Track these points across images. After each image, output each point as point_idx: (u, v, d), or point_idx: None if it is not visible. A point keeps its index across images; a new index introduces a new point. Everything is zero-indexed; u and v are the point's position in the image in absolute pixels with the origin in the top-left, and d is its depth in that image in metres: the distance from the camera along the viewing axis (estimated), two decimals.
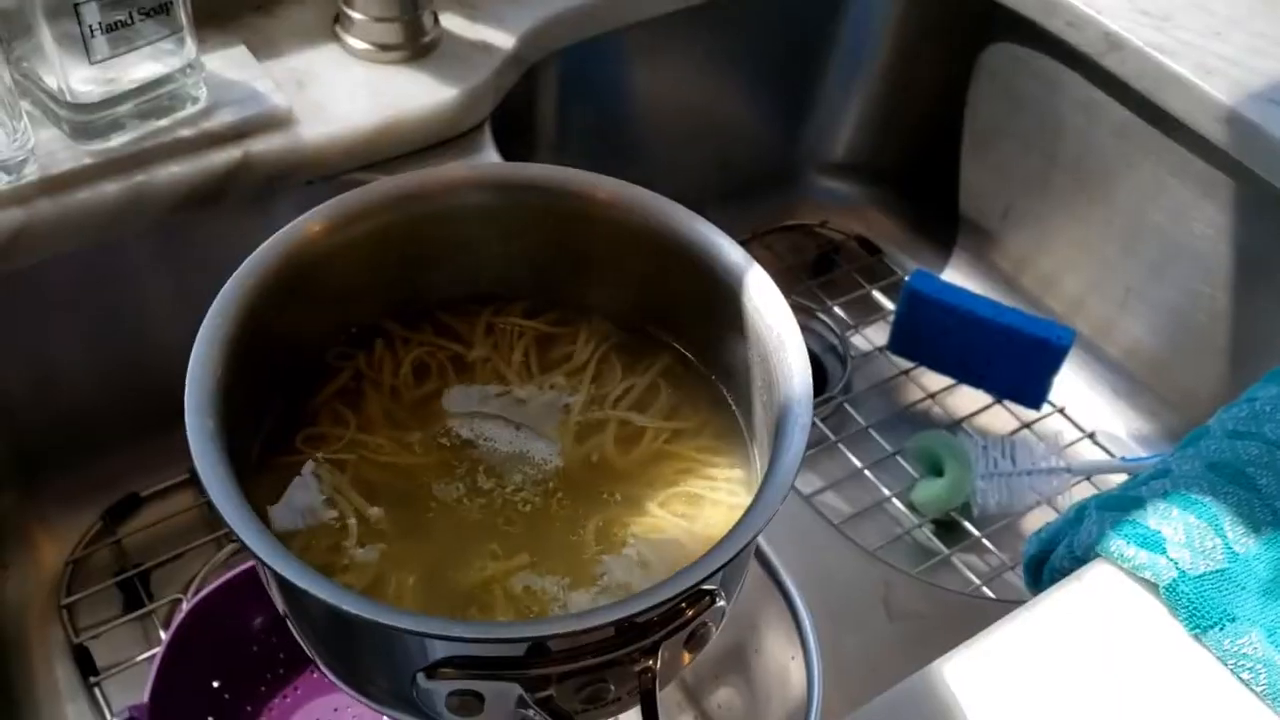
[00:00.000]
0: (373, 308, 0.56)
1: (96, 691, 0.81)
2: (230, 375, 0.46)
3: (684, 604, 0.40)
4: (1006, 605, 0.67)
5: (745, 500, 0.49)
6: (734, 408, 0.54)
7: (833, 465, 1.03)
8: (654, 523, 0.49)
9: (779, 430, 0.45)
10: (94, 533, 0.89)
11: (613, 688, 0.40)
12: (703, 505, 0.50)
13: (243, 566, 0.77)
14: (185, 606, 0.75)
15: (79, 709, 0.81)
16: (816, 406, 1.05)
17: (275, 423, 0.52)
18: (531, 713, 0.39)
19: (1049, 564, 0.69)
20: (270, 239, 0.50)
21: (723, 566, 0.39)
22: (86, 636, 0.84)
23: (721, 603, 0.41)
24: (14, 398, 0.84)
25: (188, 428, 0.43)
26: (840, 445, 1.04)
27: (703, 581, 0.38)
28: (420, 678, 0.39)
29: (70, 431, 0.88)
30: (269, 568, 0.39)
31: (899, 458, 1.03)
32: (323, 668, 0.47)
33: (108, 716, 0.79)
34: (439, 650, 0.39)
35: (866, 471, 1.02)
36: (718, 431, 0.53)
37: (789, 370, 0.47)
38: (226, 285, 0.48)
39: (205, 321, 0.46)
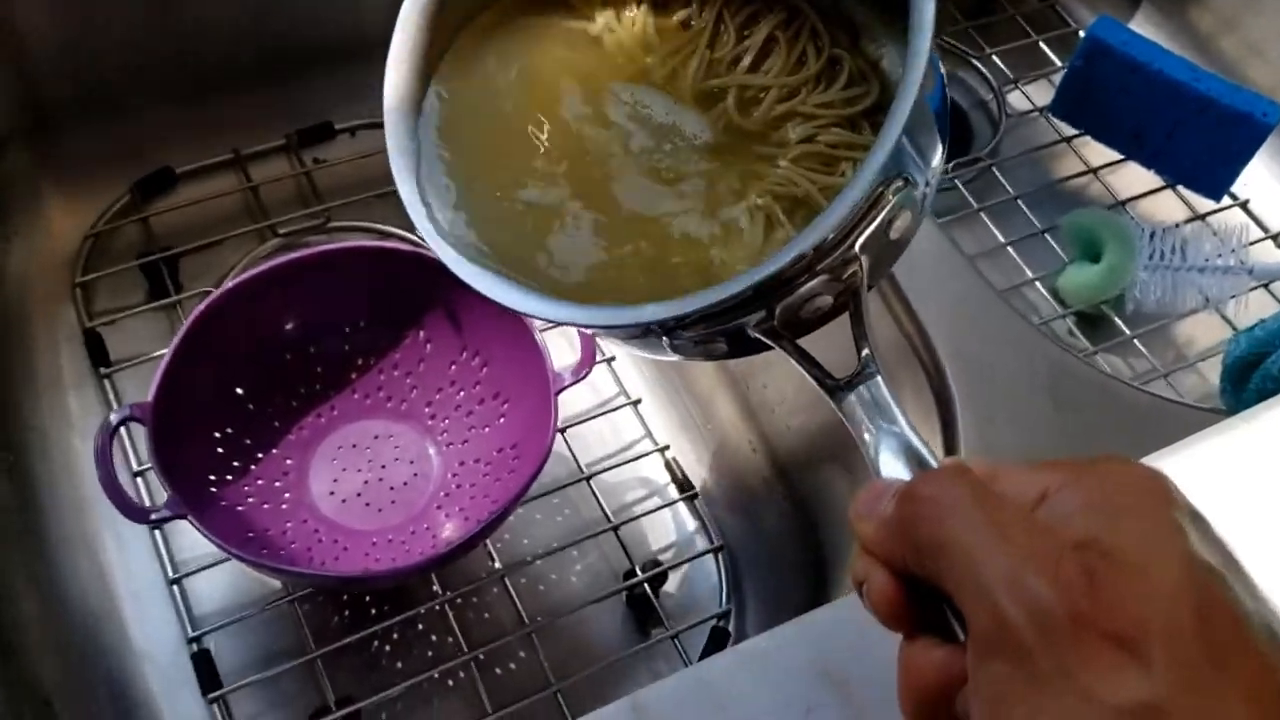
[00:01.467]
0: None
1: (107, 384, 0.71)
2: None
3: (880, 189, 0.39)
4: (1203, 415, 0.53)
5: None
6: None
7: (970, 237, 0.88)
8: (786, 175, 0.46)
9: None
10: (120, 206, 0.78)
11: (829, 299, 0.40)
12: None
13: (283, 258, 0.66)
14: (206, 300, 0.63)
15: (83, 399, 0.72)
16: (959, 168, 0.91)
17: None
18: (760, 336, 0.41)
19: (1262, 369, 0.55)
20: None
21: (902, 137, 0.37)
22: (100, 322, 0.74)
23: (913, 189, 0.40)
24: (31, 35, 0.72)
25: None
26: (982, 215, 0.89)
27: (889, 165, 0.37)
28: (666, 341, 0.42)
29: (99, 85, 0.76)
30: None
31: (1048, 236, 0.89)
32: None
33: (114, 408, 0.70)
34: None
35: (1009, 248, 0.87)
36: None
37: None
38: None
39: None
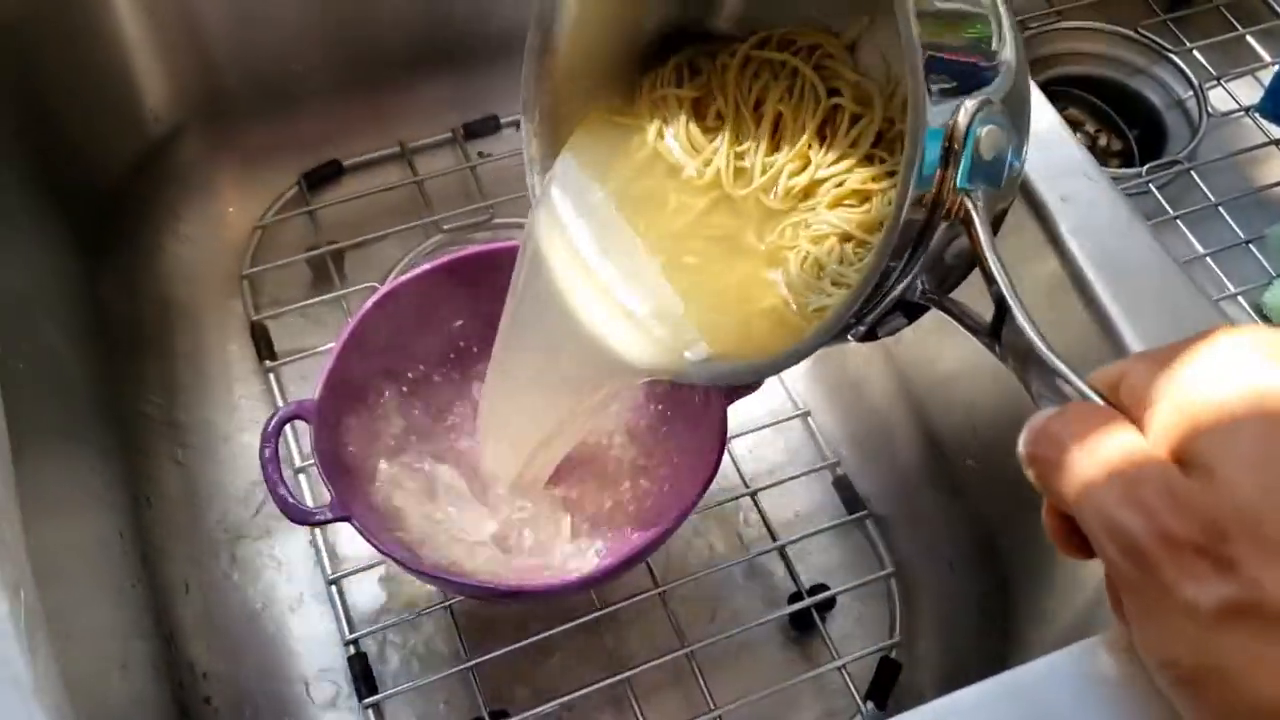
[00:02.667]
0: None
1: (271, 377, 0.71)
2: None
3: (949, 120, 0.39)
4: None
5: None
6: None
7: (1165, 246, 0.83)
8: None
9: None
10: (288, 198, 0.78)
11: (964, 240, 0.41)
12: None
13: (450, 257, 0.64)
14: (374, 296, 0.62)
15: (249, 392, 0.72)
16: (1154, 171, 0.85)
17: None
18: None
19: None
20: None
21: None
22: (267, 314, 0.73)
23: (987, 106, 0.40)
24: (216, 30, 0.72)
25: None
26: (1179, 223, 0.83)
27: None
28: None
29: (273, 77, 0.76)
30: None
31: (1253, 247, 0.83)
32: None
33: (279, 403, 0.69)
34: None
35: (1208, 259, 0.82)
36: None
37: None
38: None
39: None
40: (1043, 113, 0.57)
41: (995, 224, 0.43)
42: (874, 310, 0.43)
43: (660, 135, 0.54)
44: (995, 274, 0.40)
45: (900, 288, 0.42)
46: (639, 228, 0.53)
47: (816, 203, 0.50)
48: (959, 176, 0.40)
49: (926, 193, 0.39)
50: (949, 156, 0.39)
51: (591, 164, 0.55)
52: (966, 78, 0.40)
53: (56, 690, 0.39)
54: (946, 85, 0.39)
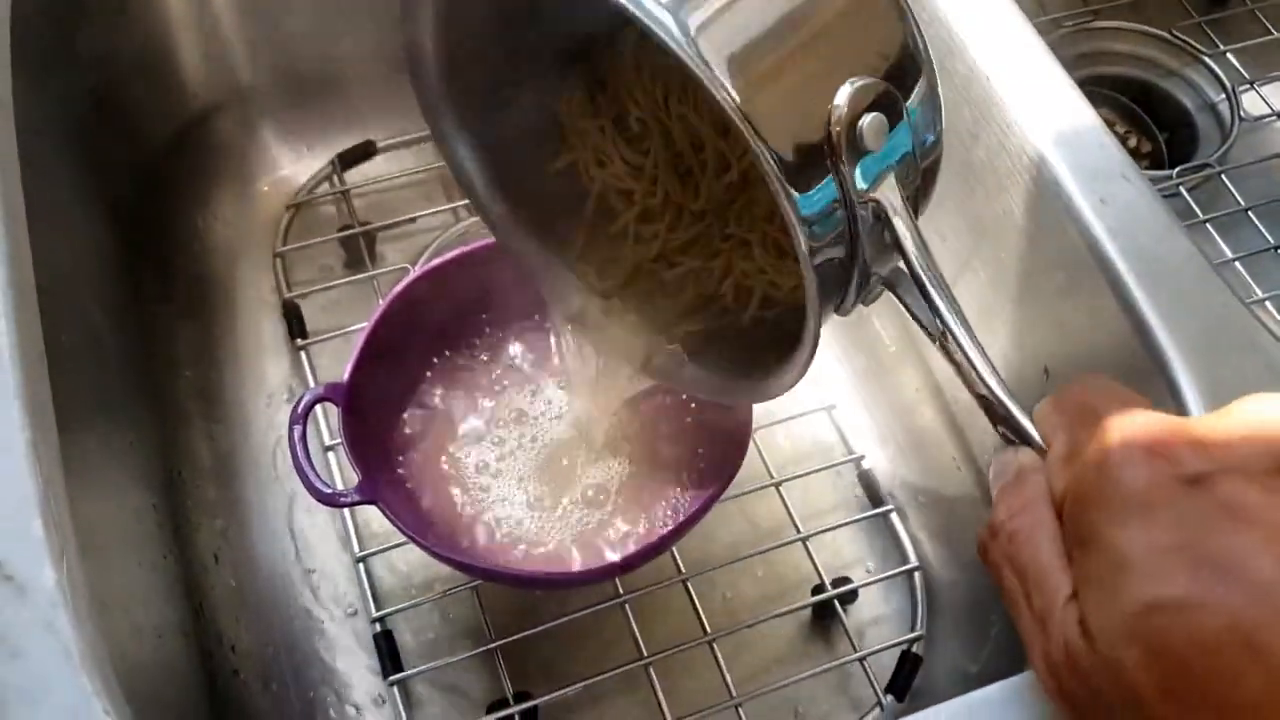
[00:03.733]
0: None
1: (302, 356, 0.71)
2: None
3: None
4: None
5: None
6: None
7: None
8: None
9: None
10: (322, 178, 0.78)
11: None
12: None
13: (483, 241, 0.64)
14: (405, 280, 0.63)
15: (279, 368, 0.72)
16: (1184, 174, 0.85)
17: None
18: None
19: None
20: None
21: None
22: (298, 293, 0.74)
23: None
24: (250, 10, 0.73)
25: None
26: (1208, 226, 0.83)
27: None
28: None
29: (310, 56, 0.76)
30: None
31: None
32: None
33: (310, 382, 0.70)
34: None
35: (1237, 264, 0.81)
36: None
37: None
38: None
39: None
40: (1081, 113, 0.57)
41: (925, 189, 0.44)
42: (845, 306, 0.43)
43: (600, 165, 0.54)
44: (925, 283, 0.41)
45: (853, 290, 0.42)
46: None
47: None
48: (858, 182, 0.39)
49: (831, 214, 0.39)
50: (835, 169, 0.39)
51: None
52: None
53: (102, 659, 0.40)
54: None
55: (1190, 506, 0.32)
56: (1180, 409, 0.50)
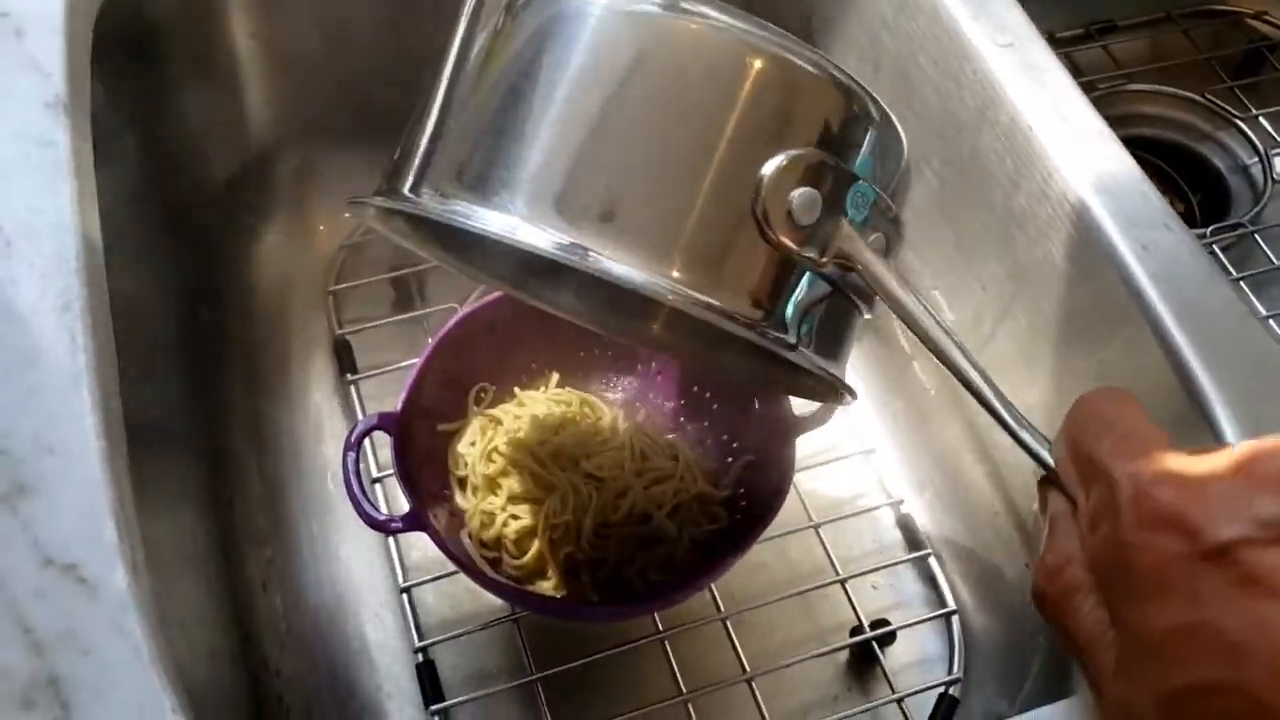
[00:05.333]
0: None
1: (352, 390, 0.73)
2: None
3: None
4: None
5: None
6: None
7: None
8: None
9: None
10: None
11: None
12: None
13: None
14: (455, 316, 0.64)
15: (330, 404, 0.74)
16: (1217, 233, 0.86)
17: None
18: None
19: None
20: None
21: None
22: (349, 330, 0.76)
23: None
24: (312, 55, 0.75)
25: None
26: (1242, 285, 0.84)
27: None
28: None
29: (371, 104, 0.78)
30: None
31: None
32: None
33: (358, 415, 0.71)
34: None
35: (1272, 322, 0.82)
36: None
37: None
38: None
39: None
40: (1122, 162, 0.58)
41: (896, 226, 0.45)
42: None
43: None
44: (916, 315, 0.41)
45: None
46: None
47: None
48: (810, 254, 0.41)
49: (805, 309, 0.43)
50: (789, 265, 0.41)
51: None
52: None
53: (167, 661, 0.41)
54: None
55: (1205, 582, 0.31)
56: None
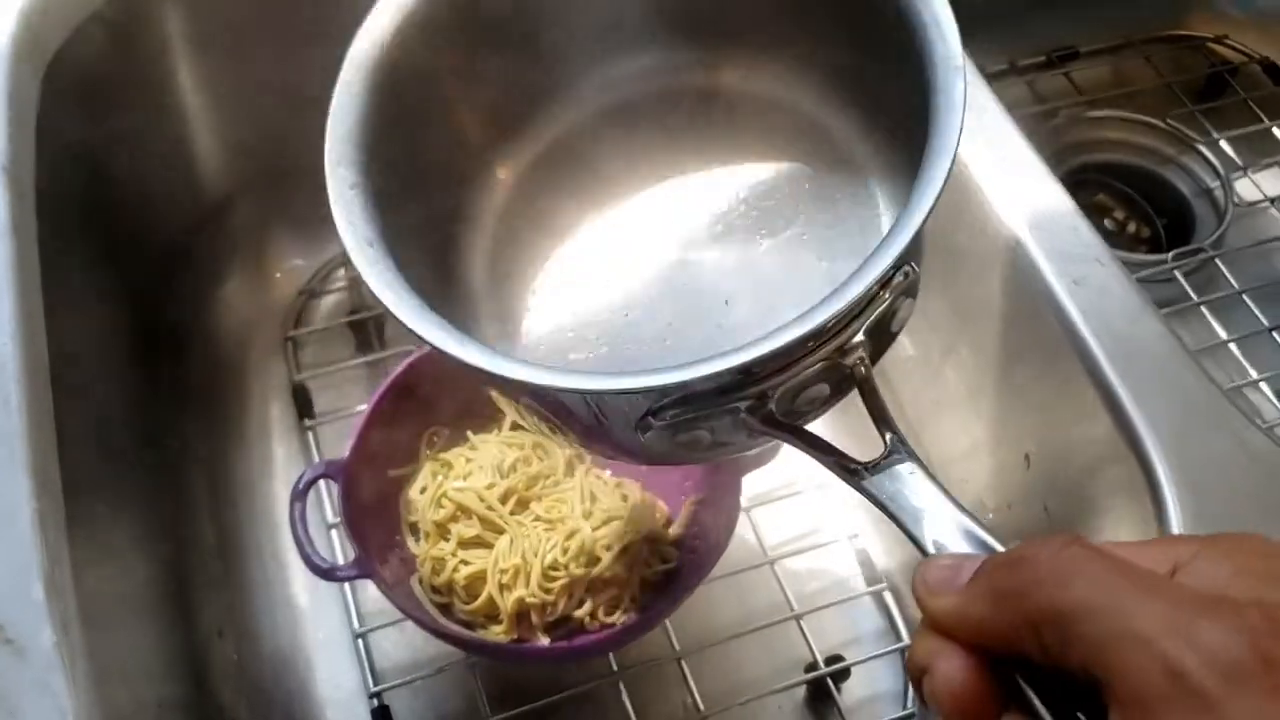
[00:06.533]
0: None
1: (310, 435, 0.74)
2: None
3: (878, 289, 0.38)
4: None
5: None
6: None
7: (1189, 333, 0.84)
8: None
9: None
10: (333, 265, 0.81)
11: (826, 386, 0.39)
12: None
13: None
14: (404, 362, 0.65)
15: (288, 449, 0.74)
16: (1179, 258, 0.86)
17: None
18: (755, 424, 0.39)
19: None
20: None
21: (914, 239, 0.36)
22: (308, 375, 0.76)
23: (914, 276, 0.39)
24: (272, 103, 0.76)
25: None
26: (1203, 309, 0.84)
27: (897, 261, 0.35)
28: (642, 428, 0.39)
29: (321, 150, 0.79)
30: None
31: (1276, 334, 0.83)
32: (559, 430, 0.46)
33: (315, 460, 0.72)
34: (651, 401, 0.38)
35: (1232, 345, 0.83)
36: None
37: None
38: None
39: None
40: (1057, 198, 0.59)
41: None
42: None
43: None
44: (890, 423, 0.38)
45: (745, 404, 0.38)
46: None
47: None
48: (864, 327, 0.38)
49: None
50: (874, 304, 0.38)
51: None
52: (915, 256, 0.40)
53: None
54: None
55: None
56: (1154, 489, 0.51)
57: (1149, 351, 0.54)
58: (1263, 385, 0.81)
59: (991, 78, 0.65)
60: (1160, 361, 0.54)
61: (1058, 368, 0.56)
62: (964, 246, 0.61)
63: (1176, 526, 0.49)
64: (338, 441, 0.73)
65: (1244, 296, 0.85)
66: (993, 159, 0.60)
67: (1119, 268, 0.57)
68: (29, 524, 0.44)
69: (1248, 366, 0.82)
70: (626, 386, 0.36)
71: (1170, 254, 0.87)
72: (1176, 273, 0.86)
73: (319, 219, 0.80)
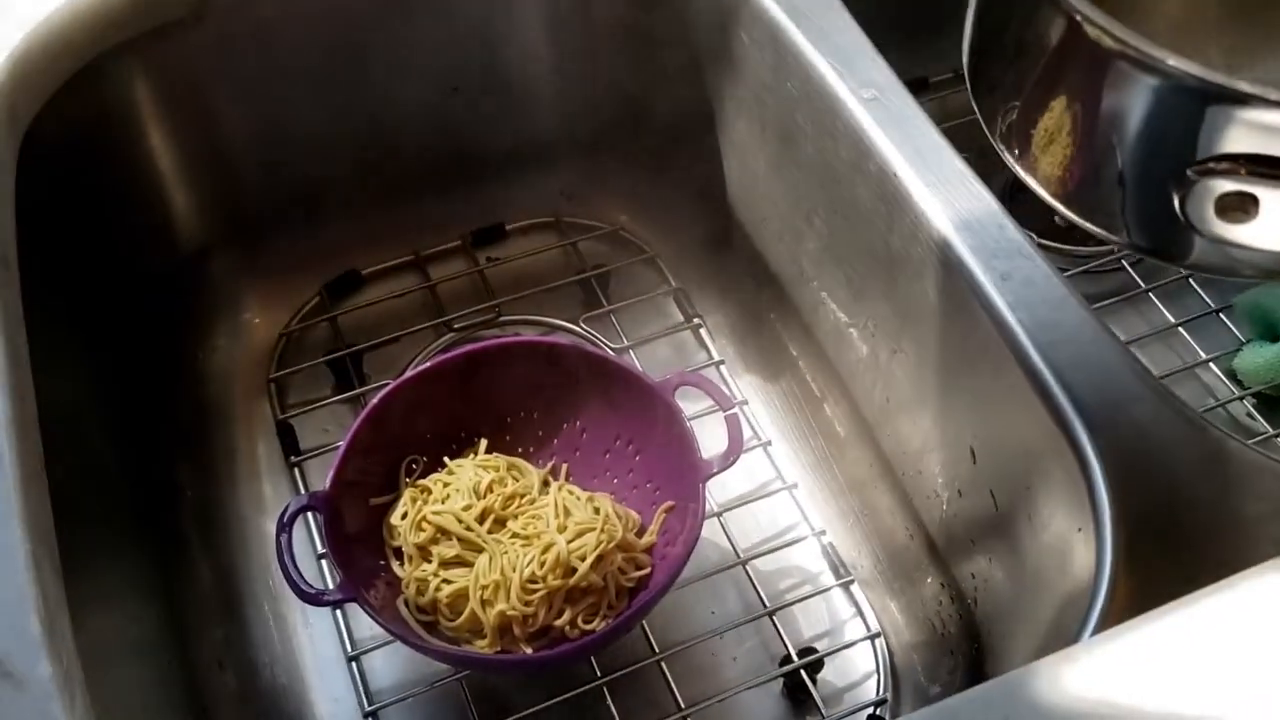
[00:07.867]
0: None
1: (296, 472, 0.77)
2: None
3: None
4: None
5: None
6: None
7: (1139, 319, 0.87)
8: None
9: None
10: (310, 307, 0.84)
11: None
12: None
13: (439, 358, 0.70)
14: (379, 395, 0.68)
15: (277, 488, 0.77)
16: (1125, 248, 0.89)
17: None
18: None
19: None
20: None
21: None
22: (292, 414, 0.80)
23: None
24: (240, 156, 0.79)
25: None
26: (1151, 295, 0.87)
27: None
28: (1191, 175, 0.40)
29: (295, 197, 0.83)
30: None
31: (1222, 315, 0.86)
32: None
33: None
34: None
35: (1181, 329, 0.85)
36: None
37: None
38: None
39: None
40: (981, 199, 0.62)
41: None
42: None
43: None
44: None
45: None
46: None
47: None
48: None
49: None
50: None
51: None
52: None
53: None
54: None
55: None
56: (1086, 474, 0.53)
57: (1075, 339, 0.57)
58: (1213, 365, 0.84)
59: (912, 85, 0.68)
60: (1086, 348, 0.57)
61: (991, 360, 0.58)
62: (900, 251, 0.64)
63: (1107, 510, 0.52)
64: (323, 475, 0.76)
65: (1190, 280, 0.88)
66: (921, 167, 0.63)
67: (1043, 259, 0.60)
68: (23, 564, 0.47)
69: (1197, 349, 0.84)
70: None
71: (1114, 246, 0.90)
72: (1124, 262, 0.88)
73: (294, 260, 0.85)
